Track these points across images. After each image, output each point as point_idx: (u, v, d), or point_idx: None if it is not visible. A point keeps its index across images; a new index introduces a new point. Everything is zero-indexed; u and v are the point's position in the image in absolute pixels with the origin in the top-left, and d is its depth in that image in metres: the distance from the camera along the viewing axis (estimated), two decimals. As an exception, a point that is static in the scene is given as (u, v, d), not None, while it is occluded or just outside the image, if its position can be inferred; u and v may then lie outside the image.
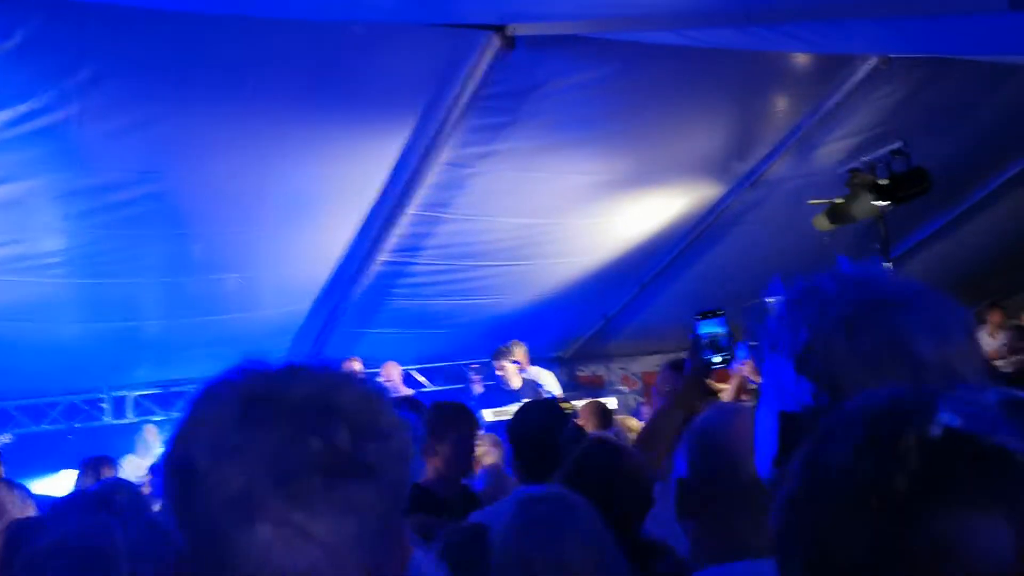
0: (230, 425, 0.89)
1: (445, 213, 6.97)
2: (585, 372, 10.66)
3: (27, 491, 4.60)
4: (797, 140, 7.17)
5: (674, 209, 7.85)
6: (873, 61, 6.25)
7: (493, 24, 5.07)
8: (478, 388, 8.17)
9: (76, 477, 6.10)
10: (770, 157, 7.37)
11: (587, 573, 1.78)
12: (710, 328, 2.82)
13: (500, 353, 7.49)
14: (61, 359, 7.57)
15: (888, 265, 7.74)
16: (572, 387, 9.37)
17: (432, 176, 6.37)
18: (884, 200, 7.25)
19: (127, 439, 8.00)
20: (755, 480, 1.14)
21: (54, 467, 7.57)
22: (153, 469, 6.59)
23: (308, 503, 0.87)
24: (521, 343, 7.86)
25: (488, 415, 6.75)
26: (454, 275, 7.90)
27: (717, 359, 2.81)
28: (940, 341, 0.95)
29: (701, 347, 2.82)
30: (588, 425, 5.49)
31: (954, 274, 9.76)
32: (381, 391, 0.99)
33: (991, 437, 0.60)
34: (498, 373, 7.52)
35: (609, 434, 5.27)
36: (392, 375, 7.98)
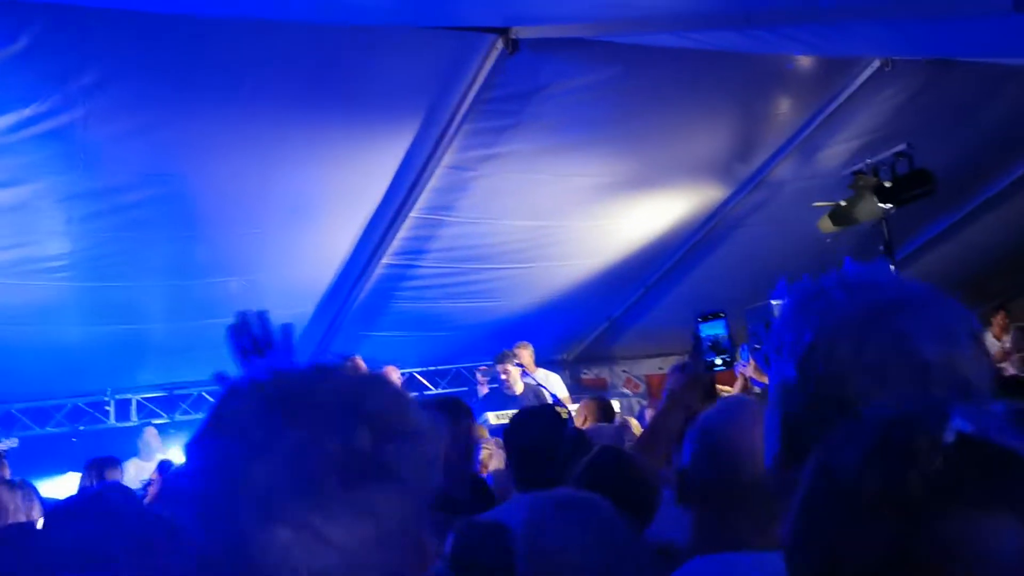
0: (251, 425, 0.89)
1: (448, 216, 6.97)
2: (589, 375, 10.66)
3: (34, 491, 4.61)
4: (801, 142, 7.16)
5: (678, 211, 7.85)
6: (876, 63, 6.24)
7: (496, 27, 5.08)
8: (483, 390, 8.17)
9: (80, 479, 6.12)
10: (773, 159, 7.36)
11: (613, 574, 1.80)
12: (712, 330, 2.81)
13: (503, 356, 7.49)
14: (65, 362, 7.58)
15: (892, 268, 7.74)
16: (576, 390, 9.36)
17: (435, 179, 6.38)
18: (888, 202, 7.24)
19: (131, 442, 8.01)
20: (756, 476, 1.14)
21: (59, 469, 7.59)
22: (161, 468, 6.60)
23: (325, 505, 0.86)
24: (528, 344, 7.86)
25: (491, 418, 6.75)
26: (457, 278, 7.90)
27: (718, 361, 2.81)
28: (945, 344, 0.95)
29: (702, 349, 2.82)
30: (589, 420, 5.49)
31: (958, 276, 9.74)
32: (403, 393, 0.98)
33: (1003, 442, 0.61)
34: (502, 377, 7.52)
35: (612, 428, 5.27)
36: (391, 379, 7.97)
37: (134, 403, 8.71)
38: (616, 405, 7.98)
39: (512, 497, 3.13)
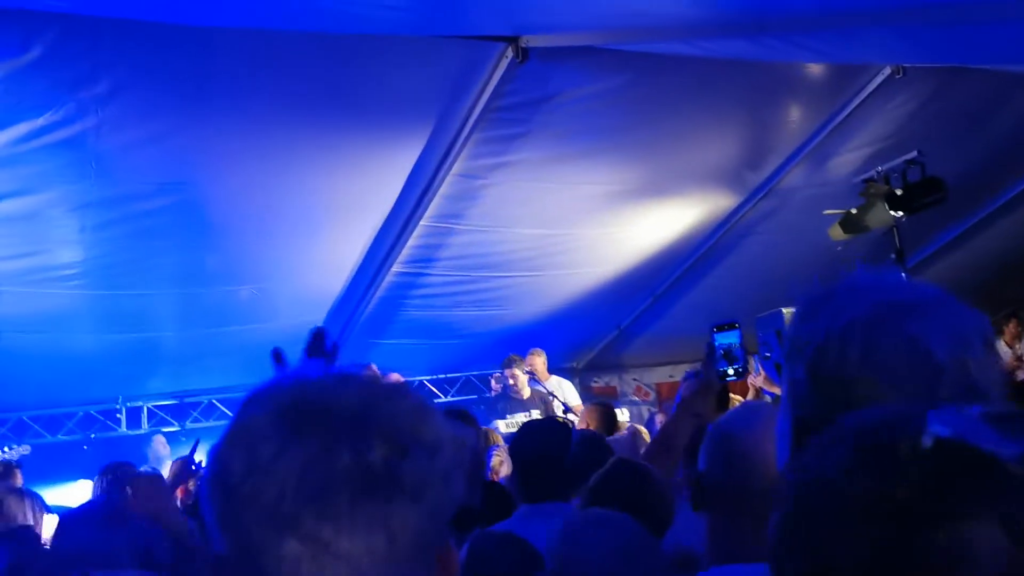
0: (266, 435, 0.89)
1: (458, 224, 6.98)
2: (598, 383, 10.64)
3: (41, 501, 4.63)
4: (811, 150, 7.14)
5: (688, 219, 7.84)
6: (887, 70, 6.23)
7: (506, 36, 5.09)
8: (497, 388, 8.12)
9: (93, 485, 6.12)
10: (784, 167, 7.35)
11: None
12: (725, 340, 2.82)
13: (510, 361, 7.49)
14: (77, 370, 7.62)
15: (904, 276, 7.71)
16: (585, 398, 9.33)
17: (445, 187, 6.39)
18: (899, 210, 7.21)
19: (142, 449, 8.04)
20: (771, 483, 1.14)
21: (70, 477, 7.61)
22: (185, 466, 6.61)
23: (335, 518, 0.85)
24: (541, 352, 7.87)
25: (501, 426, 6.75)
26: (467, 286, 7.91)
27: (730, 371, 2.81)
28: (957, 347, 0.94)
29: (715, 358, 2.82)
30: (592, 427, 5.48)
31: (970, 284, 9.69)
32: (428, 406, 0.96)
33: (980, 445, 0.61)
34: (509, 382, 7.51)
35: (627, 438, 5.26)
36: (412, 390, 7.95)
37: (145, 411, 8.74)
38: (626, 413, 7.98)
39: (520, 509, 3.12)
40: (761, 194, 7.66)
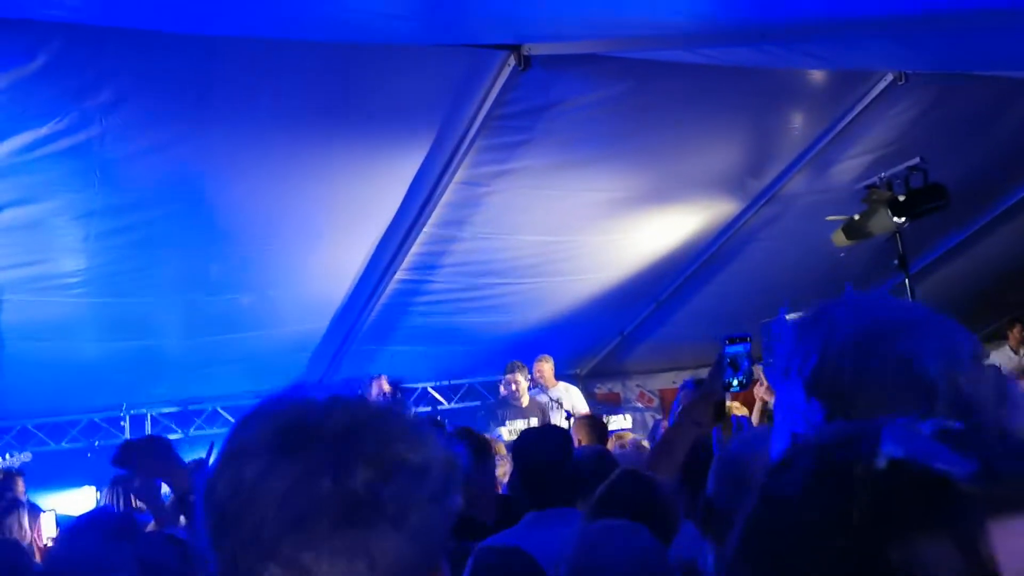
0: (251, 459, 0.89)
1: (461, 231, 7.00)
2: (602, 389, 10.64)
3: (38, 512, 4.66)
4: (813, 156, 7.14)
5: (690, 226, 7.85)
6: (889, 77, 6.23)
7: (508, 44, 5.10)
8: (505, 392, 8.11)
9: (102, 496, 6.13)
10: (786, 173, 7.35)
11: None
12: (735, 351, 2.84)
13: (513, 367, 7.49)
14: (81, 377, 7.64)
15: (907, 281, 7.71)
16: (589, 405, 9.35)
17: (448, 194, 6.41)
18: (902, 216, 7.22)
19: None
20: None
21: (74, 484, 7.63)
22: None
23: (316, 545, 0.85)
24: (548, 358, 7.88)
25: (505, 433, 6.76)
26: (470, 293, 7.92)
27: (735, 382, 2.83)
28: (948, 364, 0.96)
29: (723, 369, 2.84)
30: (583, 441, 5.49)
31: (974, 289, 9.70)
32: (421, 426, 0.95)
33: (932, 465, 0.62)
34: (511, 387, 7.52)
35: (632, 451, 5.26)
36: (384, 387, 7.91)
37: (149, 418, 8.75)
38: (629, 420, 7.99)
39: (527, 516, 3.11)
40: (763, 201, 7.66)
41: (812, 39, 4.45)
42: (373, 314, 7.79)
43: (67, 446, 8.43)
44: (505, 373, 7.61)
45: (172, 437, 8.52)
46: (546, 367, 7.99)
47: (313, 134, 5.60)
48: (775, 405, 1.10)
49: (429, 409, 9.23)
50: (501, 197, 6.64)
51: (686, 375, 9.64)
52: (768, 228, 8.06)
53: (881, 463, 0.63)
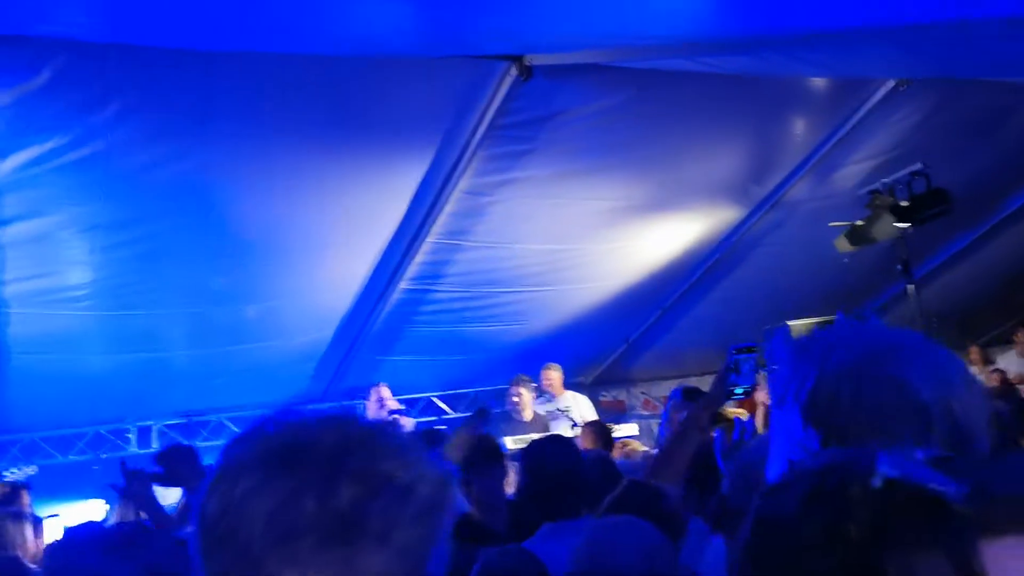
0: (240, 478, 0.91)
1: (465, 241, 7.01)
2: (607, 397, 10.63)
3: (40, 525, 4.68)
4: (816, 162, 7.16)
5: (694, 233, 7.85)
6: (891, 82, 6.24)
7: (510, 55, 5.12)
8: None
9: (111, 507, 6.13)
10: (789, 180, 7.36)
11: None
12: (741, 360, 2.87)
13: (518, 380, 7.48)
14: (87, 390, 7.65)
15: (912, 287, 7.70)
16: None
17: (452, 204, 6.43)
18: (905, 222, 7.22)
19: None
20: None
21: (81, 497, 7.64)
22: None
23: (301, 563, 0.87)
24: (557, 366, 7.88)
25: (509, 443, 6.75)
26: (474, 302, 7.93)
27: (739, 390, 2.86)
28: (940, 388, 0.98)
29: (728, 377, 2.87)
30: (587, 446, 5.49)
31: (979, 294, 9.69)
32: (411, 444, 0.96)
33: (926, 485, 0.64)
34: (513, 399, 7.51)
35: (640, 461, 5.26)
36: (384, 395, 7.92)
37: (155, 430, 8.77)
38: (635, 427, 7.98)
39: (543, 528, 3.10)
40: (767, 207, 7.67)
41: (813, 48, 4.47)
42: (378, 324, 7.80)
43: (73, 459, 8.45)
44: (510, 386, 7.60)
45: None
46: (554, 375, 7.99)
47: (316, 146, 5.62)
48: (771, 432, 1.12)
49: (435, 419, 9.23)
50: (504, 206, 6.66)
51: (692, 382, 9.64)
52: (772, 234, 8.07)
53: (877, 483, 0.65)
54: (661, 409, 10.52)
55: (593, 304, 8.55)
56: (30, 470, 7.39)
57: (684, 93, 5.86)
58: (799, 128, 6.92)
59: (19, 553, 4.35)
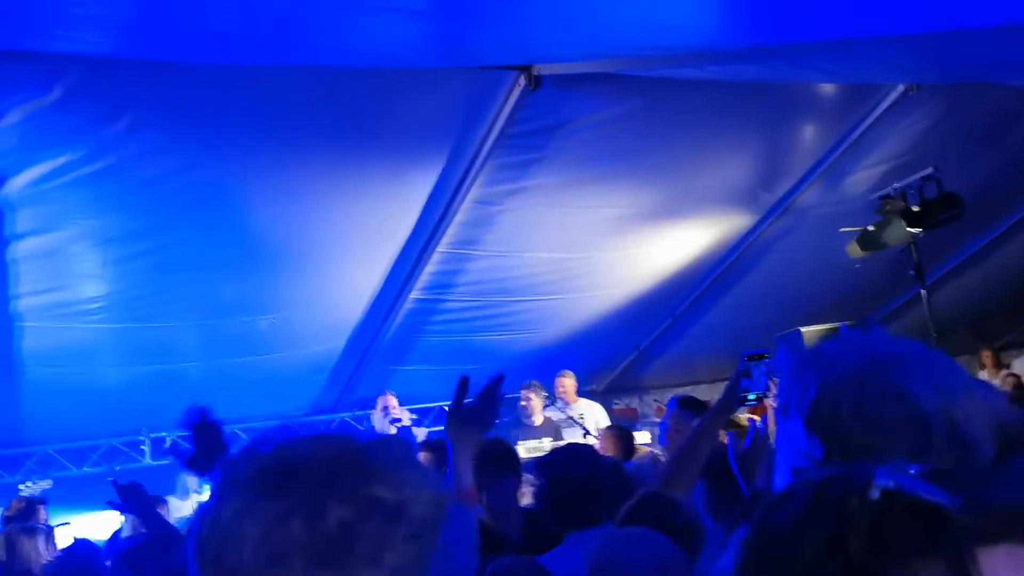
0: (231, 500, 0.91)
1: (476, 250, 7.02)
2: (619, 404, 10.60)
3: (52, 536, 4.71)
4: (826, 168, 7.14)
5: (704, 240, 7.85)
6: (901, 87, 6.23)
7: (519, 64, 5.14)
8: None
9: (125, 519, 6.14)
10: (799, 186, 7.35)
11: None
12: (753, 367, 2.88)
13: (529, 385, 7.47)
14: (102, 402, 7.69)
15: (923, 292, 7.67)
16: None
17: (462, 214, 6.44)
18: (916, 227, 7.20)
19: (166, 480, 8.07)
20: None
21: (95, 508, 7.65)
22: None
23: None
24: (570, 373, 7.86)
25: (521, 451, 6.73)
26: (486, 311, 7.94)
27: (752, 396, 2.87)
28: (942, 398, 0.98)
29: (740, 383, 2.88)
30: (610, 452, 5.44)
31: (991, 299, 9.64)
32: (404, 464, 0.96)
33: (923, 496, 0.65)
34: (521, 403, 7.50)
35: (652, 467, 5.23)
36: (390, 404, 7.92)
37: (168, 442, 8.79)
38: (647, 435, 7.95)
39: (568, 539, 3.08)
40: (777, 213, 7.66)
41: (823, 55, 4.46)
42: (389, 334, 7.81)
43: (88, 471, 8.47)
44: (520, 391, 7.60)
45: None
46: (568, 383, 7.97)
47: (327, 157, 5.65)
48: (776, 442, 1.12)
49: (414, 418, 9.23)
50: (515, 215, 6.67)
51: (703, 389, 9.62)
52: (782, 241, 8.05)
53: (875, 494, 0.66)
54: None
55: (604, 312, 8.54)
56: (45, 484, 7.41)
57: (693, 100, 5.87)
58: (809, 134, 6.91)
59: (31, 566, 4.39)
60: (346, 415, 9.11)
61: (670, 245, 7.76)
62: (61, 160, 4.98)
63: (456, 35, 4.54)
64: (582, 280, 7.90)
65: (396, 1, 3.95)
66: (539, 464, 3.44)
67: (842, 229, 7.66)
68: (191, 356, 7.49)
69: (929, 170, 7.09)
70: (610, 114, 5.84)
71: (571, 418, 7.60)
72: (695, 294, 8.77)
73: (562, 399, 8.00)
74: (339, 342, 7.85)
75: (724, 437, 2.97)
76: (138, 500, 3.71)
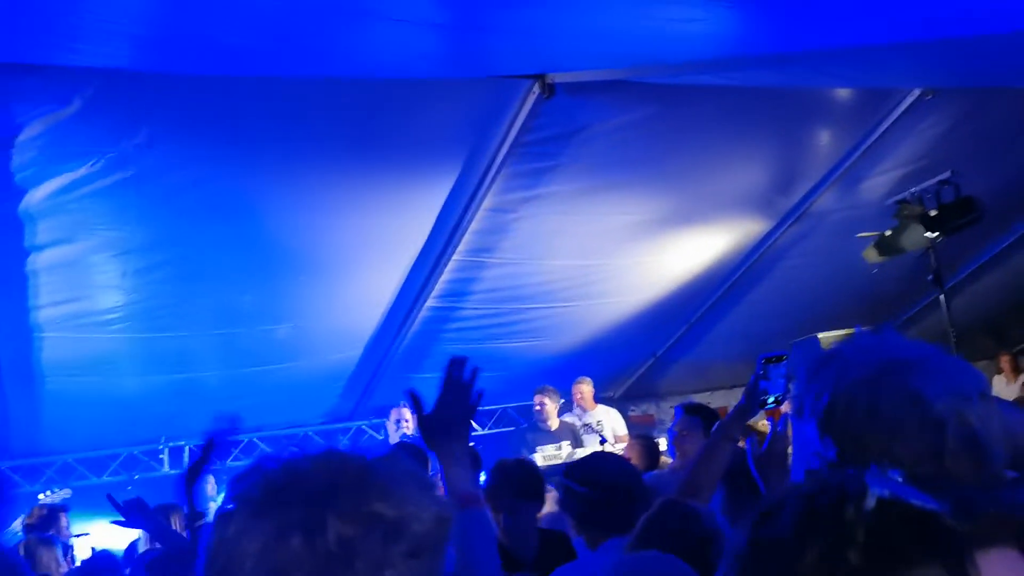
0: (235, 515, 0.92)
1: (491, 258, 7.03)
2: (635, 411, 10.58)
3: (67, 548, 4.75)
4: (842, 173, 7.11)
5: (720, 246, 7.83)
6: (917, 91, 6.20)
7: (533, 73, 5.15)
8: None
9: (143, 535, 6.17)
10: (815, 191, 7.32)
11: None
12: (771, 369, 2.87)
13: (543, 389, 7.47)
14: (120, 411, 7.73)
15: (942, 296, 7.62)
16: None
17: (477, 222, 6.45)
18: (934, 231, 7.15)
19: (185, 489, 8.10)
20: None
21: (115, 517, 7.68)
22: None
23: None
24: (588, 380, 7.86)
25: (539, 459, 6.72)
26: (501, 318, 7.94)
27: (771, 399, 2.86)
28: (955, 400, 0.98)
29: (758, 386, 2.86)
30: (634, 461, 5.41)
31: (1010, 303, 9.56)
32: (407, 482, 0.96)
33: (916, 502, 0.67)
34: (536, 408, 7.50)
35: (671, 475, 5.20)
36: (404, 416, 7.92)
37: (187, 451, 8.83)
38: (664, 443, 7.91)
39: (608, 542, 3.04)
40: (793, 219, 7.63)
41: (838, 61, 4.45)
42: (405, 342, 7.83)
43: (108, 479, 8.52)
44: (534, 394, 7.60)
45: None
46: (586, 389, 7.97)
47: (343, 167, 5.68)
48: (792, 443, 1.13)
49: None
50: (530, 223, 6.67)
51: (720, 395, 9.59)
52: (798, 246, 8.02)
53: (871, 503, 0.66)
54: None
55: (620, 318, 8.53)
56: (64, 493, 7.45)
57: (707, 106, 5.86)
58: (824, 139, 6.88)
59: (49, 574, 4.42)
60: (363, 423, 9.13)
61: (685, 251, 7.75)
62: (81, 172, 5.03)
63: (471, 45, 4.55)
64: (598, 287, 7.89)
65: (413, 14, 3.97)
66: (571, 468, 3.36)
67: (859, 234, 7.62)
68: (209, 365, 7.53)
69: (946, 174, 7.04)
70: (624, 121, 5.84)
71: (588, 425, 7.59)
72: (711, 300, 8.74)
73: (580, 406, 8.00)
74: (356, 350, 7.87)
75: (743, 443, 2.96)
76: (141, 516, 3.72)
